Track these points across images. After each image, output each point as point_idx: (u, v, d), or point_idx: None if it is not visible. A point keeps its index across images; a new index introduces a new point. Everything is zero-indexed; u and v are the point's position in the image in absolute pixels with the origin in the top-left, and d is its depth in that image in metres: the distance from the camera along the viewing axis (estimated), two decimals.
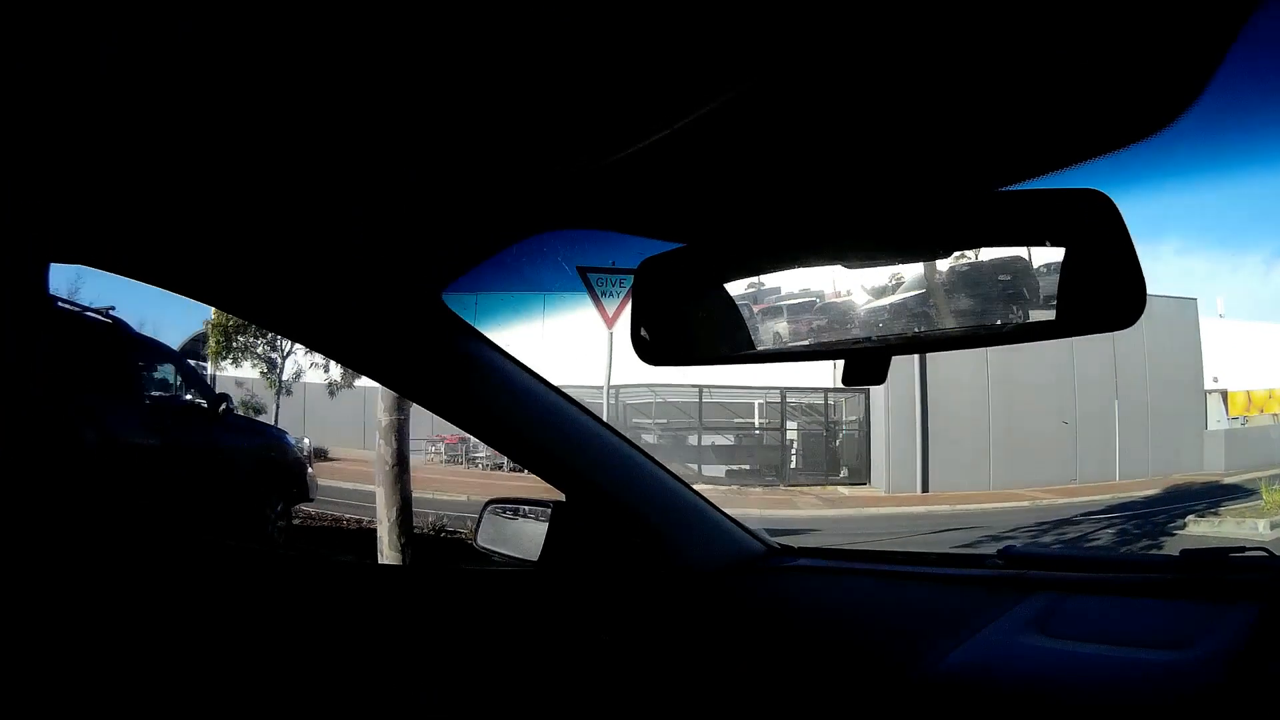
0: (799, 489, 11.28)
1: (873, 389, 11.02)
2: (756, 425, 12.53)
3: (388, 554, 5.15)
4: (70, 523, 1.05)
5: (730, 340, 0.87)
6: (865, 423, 11.82)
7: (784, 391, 11.91)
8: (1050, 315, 0.69)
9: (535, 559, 1.29)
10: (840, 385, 10.74)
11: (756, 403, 12.43)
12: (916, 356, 10.12)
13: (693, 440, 12.11)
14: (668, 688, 1.06)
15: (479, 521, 1.46)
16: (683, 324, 0.89)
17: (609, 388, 8.90)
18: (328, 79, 0.66)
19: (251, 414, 11.94)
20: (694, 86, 0.62)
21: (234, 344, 11.10)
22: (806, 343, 0.81)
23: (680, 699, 1.04)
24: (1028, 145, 0.73)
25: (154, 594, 1.07)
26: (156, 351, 6.68)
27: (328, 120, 0.74)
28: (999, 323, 0.73)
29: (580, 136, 0.73)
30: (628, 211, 0.93)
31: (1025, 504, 9.08)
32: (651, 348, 0.87)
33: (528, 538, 1.34)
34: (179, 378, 6.36)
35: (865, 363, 0.78)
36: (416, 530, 7.51)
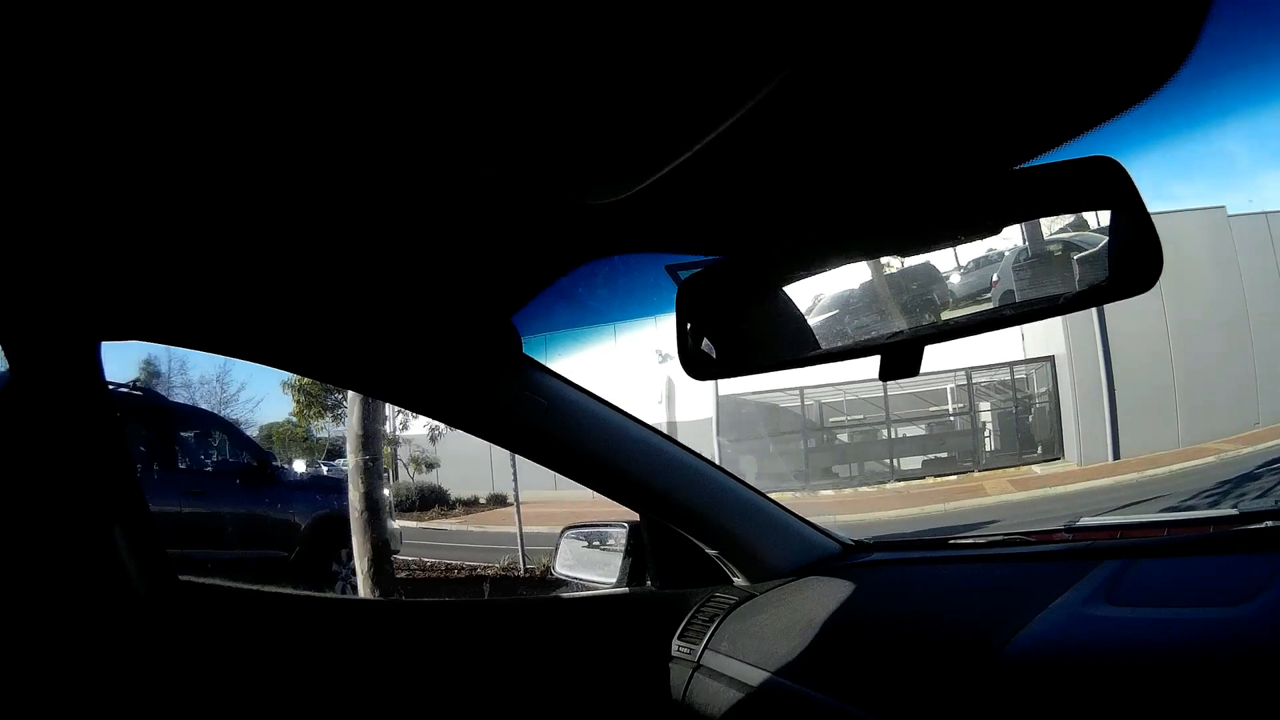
0: (991, 474, 10.84)
1: (1056, 354, 10.73)
2: (950, 411, 12.16)
3: None
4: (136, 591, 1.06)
5: (771, 349, 0.90)
6: (1054, 393, 11.01)
7: (969, 372, 11.47)
8: (1066, 289, 0.69)
9: (613, 580, 1.33)
10: (1028, 357, 10.37)
11: (947, 388, 12.06)
12: (1095, 317, 9.81)
13: (885, 434, 11.91)
14: (748, 690, 1.10)
15: (556, 549, 1.48)
16: (723, 337, 0.90)
17: (718, 397, 8.59)
18: (374, 114, 0.65)
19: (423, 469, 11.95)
20: (713, 100, 0.60)
21: (325, 401, 10.43)
22: (845, 343, 0.82)
23: (762, 700, 1.07)
24: (1043, 116, 0.69)
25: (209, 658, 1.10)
26: (193, 417, 6.84)
27: (372, 163, 0.73)
28: (1014, 304, 0.74)
29: (604, 165, 0.71)
30: (666, 232, 0.93)
31: (1211, 459, 8.39)
32: (699, 363, 0.89)
33: (605, 560, 1.36)
34: (220, 440, 6.41)
35: (900, 356, 0.77)
36: (528, 573, 7.97)
